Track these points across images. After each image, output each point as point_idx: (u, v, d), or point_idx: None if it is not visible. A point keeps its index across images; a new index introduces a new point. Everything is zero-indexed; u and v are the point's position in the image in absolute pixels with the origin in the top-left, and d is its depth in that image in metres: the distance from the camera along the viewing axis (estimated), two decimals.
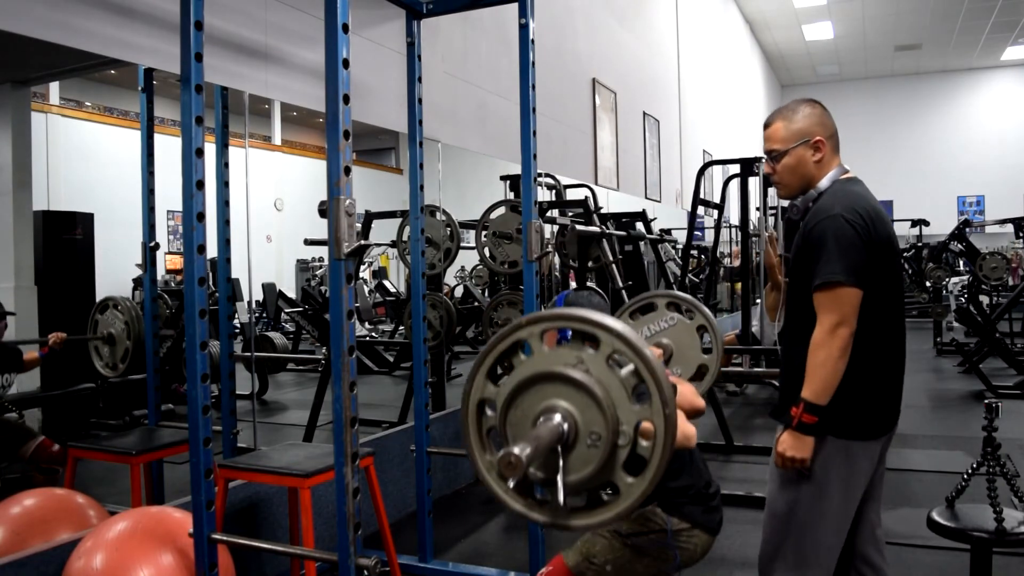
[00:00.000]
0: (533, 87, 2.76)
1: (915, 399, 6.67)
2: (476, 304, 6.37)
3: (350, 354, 1.84)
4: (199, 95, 2.08)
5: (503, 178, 5.31)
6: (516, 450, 1.10)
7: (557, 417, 1.21)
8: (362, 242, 1.83)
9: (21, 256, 3.61)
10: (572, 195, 5.71)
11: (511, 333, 1.29)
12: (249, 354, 3.74)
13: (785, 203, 2.17)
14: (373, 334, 7.23)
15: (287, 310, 6.82)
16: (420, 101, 3.03)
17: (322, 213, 1.81)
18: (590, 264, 4.55)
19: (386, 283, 8.01)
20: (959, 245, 8.42)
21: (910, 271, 11.35)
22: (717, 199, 6.83)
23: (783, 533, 1.93)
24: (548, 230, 4.64)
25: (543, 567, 2.16)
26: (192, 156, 2.06)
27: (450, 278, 7.57)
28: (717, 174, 9.27)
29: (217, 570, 2.13)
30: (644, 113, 8.20)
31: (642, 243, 6.50)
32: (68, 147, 5.94)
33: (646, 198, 8.03)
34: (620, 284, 4.58)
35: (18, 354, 3.31)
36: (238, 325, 4.21)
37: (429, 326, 3.48)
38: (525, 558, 2.93)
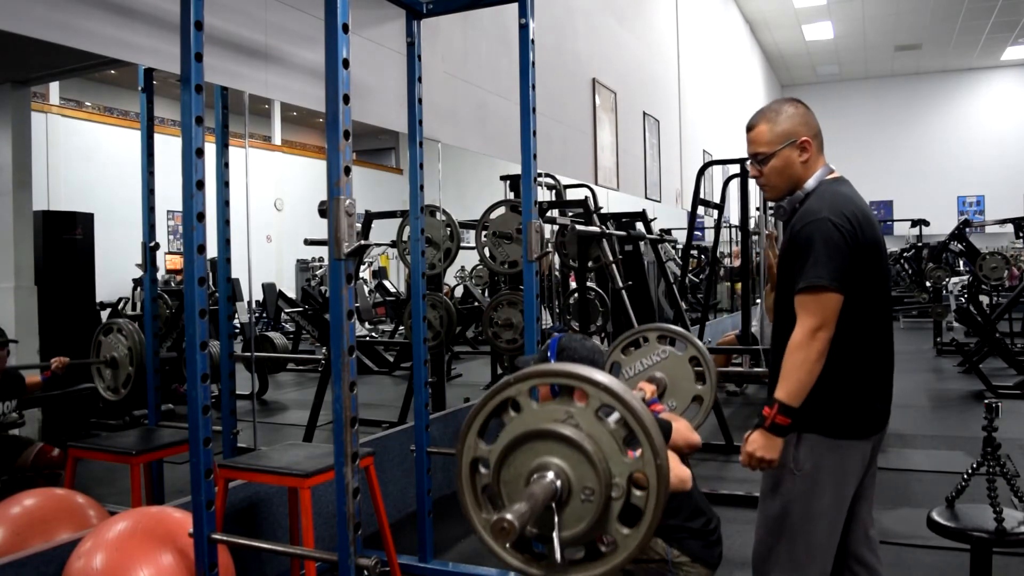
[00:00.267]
0: (533, 87, 2.76)
1: (915, 399, 6.67)
2: (476, 304, 6.37)
3: (350, 354, 1.84)
4: (199, 95, 2.08)
5: (503, 178, 5.31)
6: (509, 516, 1.12)
7: (550, 475, 1.23)
8: (362, 242, 1.83)
9: (21, 256, 3.60)
10: (572, 195, 5.70)
11: (500, 391, 1.31)
12: (249, 354, 3.74)
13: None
14: (373, 334, 7.23)
15: (287, 310, 6.82)
16: (420, 101, 3.03)
17: (322, 213, 1.81)
18: (590, 264, 4.55)
19: (386, 283, 8.01)
20: (959, 245, 8.42)
21: (910, 271, 11.36)
22: (717, 199, 6.83)
23: (776, 534, 1.93)
24: (548, 230, 4.64)
25: None
26: (192, 156, 2.06)
27: (450, 278, 7.57)
28: (717, 174, 9.27)
29: (217, 570, 2.13)
30: (644, 113, 8.20)
31: (642, 243, 6.50)
32: (68, 147, 5.95)
33: (646, 198, 8.03)
34: (620, 284, 4.59)
35: (20, 380, 3.30)
36: (238, 325, 4.21)
37: (429, 326, 3.48)
38: None
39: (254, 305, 4.11)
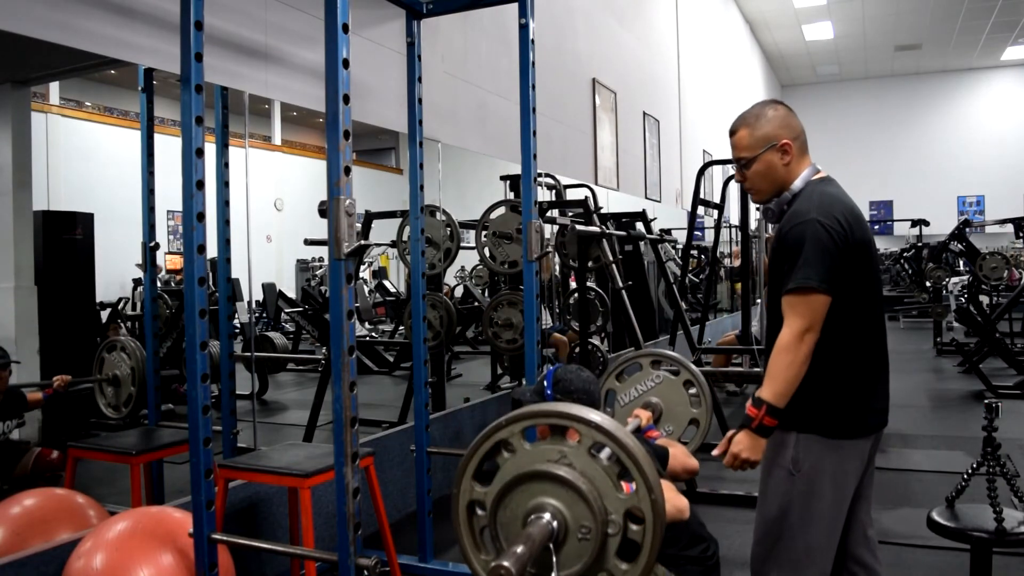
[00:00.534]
0: (533, 87, 2.76)
1: (915, 399, 6.67)
2: (476, 304, 6.36)
3: (350, 354, 1.84)
4: (199, 95, 2.08)
5: (503, 178, 5.31)
6: (506, 563, 1.13)
7: (546, 516, 1.24)
8: (362, 242, 1.83)
9: (21, 256, 3.60)
10: (572, 195, 5.70)
11: (492, 434, 1.33)
12: (249, 354, 3.74)
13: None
14: (373, 334, 7.23)
15: (287, 310, 6.82)
16: (420, 101, 3.03)
17: (322, 213, 1.81)
18: (590, 264, 4.55)
19: (386, 283, 8.01)
20: (959, 245, 8.42)
21: (910, 271, 11.34)
22: (717, 199, 6.83)
23: (775, 535, 1.93)
24: (548, 230, 4.63)
25: None
26: (192, 156, 2.06)
27: (450, 278, 7.57)
28: (717, 174, 9.28)
29: (217, 570, 2.13)
30: (644, 113, 8.20)
31: (642, 243, 6.50)
32: (68, 147, 5.95)
33: (646, 198, 8.03)
34: (620, 284, 4.59)
35: (22, 397, 3.30)
36: (238, 325, 4.21)
37: (429, 326, 3.48)
38: None
39: (254, 305, 4.11)
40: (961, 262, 11.48)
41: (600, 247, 4.53)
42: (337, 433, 1.86)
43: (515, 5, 2.78)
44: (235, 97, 3.31)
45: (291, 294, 7.09)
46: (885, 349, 1.99)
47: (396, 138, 6.05)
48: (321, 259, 7.42)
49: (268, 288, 6.77)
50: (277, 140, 7.49)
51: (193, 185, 2.06)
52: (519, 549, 1.15)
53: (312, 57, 3.42)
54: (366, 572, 1.86)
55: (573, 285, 5.77)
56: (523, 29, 2.76)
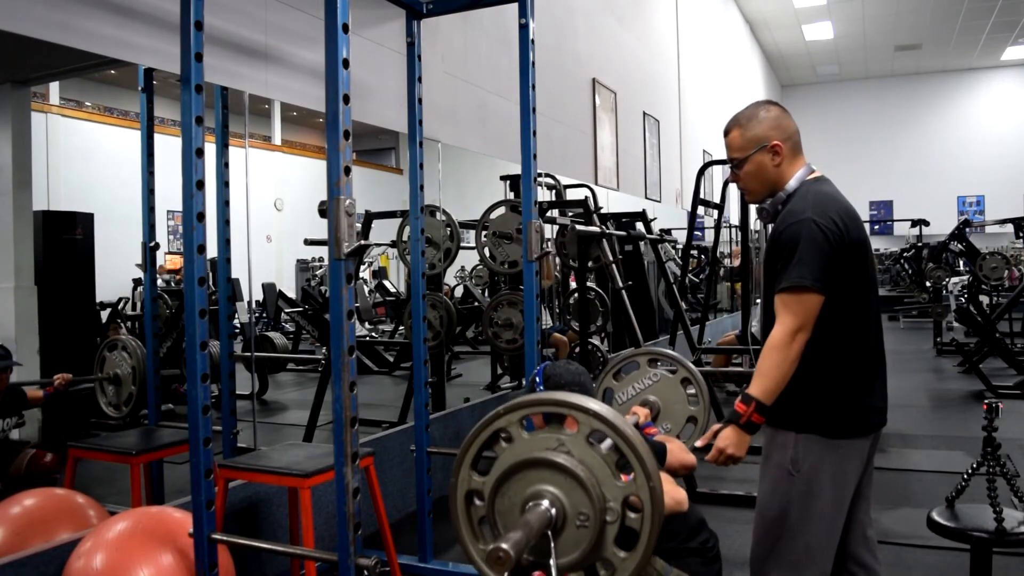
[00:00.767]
0: (533, 87, 2.76)
1: (915, 399, 6.67)
2: (476, 304, 6.37)
3: (350, 354, 1.84)
4: (199, 95, 2.08)
5: (503, 178, 5.30)
6: (504, 545, 1.12)
7: (544, 503, 1.24)
8: (362, 242, 1.83)
9: (21, 256, 3.60)
10: (572, 195, 5.70)
11: (490, 423, 1.32)
12: (249, 354, 3.74)
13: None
14: (373, 334, 7.23)
15: (287, 310, 6.82)
16: (420, 101, 3.03)
17: (322, 213, 1.81)
18: (590, 264, 4.55)
19: (386, 283, 8.01)
20: (959, 245, 8.42)
21: (910, 271, 11.35)
22: (717, 199, 6.83)
23: (775, 535, 1.93)
24: (548, 230, 4.63)
25: None
26: (192, 156, 2.06)
27: (450, 278, 7.57)
28: (717, 174, 9.28)
29: (217, 570, 2.13)
30: (644, 113, 8.20)
31: (642, 243, 6.50)
32: (68, 147, 5.95)
33: (646, 198, 8.03)
34: (620, 284, 4.58)
35: (22, 395, 3.30)
36: (238, 325, 4.21)
37: (429, 326, 3.48)
38: None
39: (254, 305, 4.11)
40: (961, 262, 11.49)
41: (600, 247, 4.52)
42: (337, 433, 1.86)
43: (515, 5, 2.78)
44: (235, 97, 3.31)
45: (291, 294, 7.09)
46: (882, 348, 1.99)
47: (396, 138, 6.05)
48: (321, 259, 7.42)
49: (268, 288, 6.77)
50: (277, 140, 7.49)
51: (193, 185, 2.06)
52: (517, 534, 1.15)
53: (312, 57, 3.42)
54: (366, 572, 1.86)
55: (573, 285, 5.77)
56: (523, 29, 2.76)
